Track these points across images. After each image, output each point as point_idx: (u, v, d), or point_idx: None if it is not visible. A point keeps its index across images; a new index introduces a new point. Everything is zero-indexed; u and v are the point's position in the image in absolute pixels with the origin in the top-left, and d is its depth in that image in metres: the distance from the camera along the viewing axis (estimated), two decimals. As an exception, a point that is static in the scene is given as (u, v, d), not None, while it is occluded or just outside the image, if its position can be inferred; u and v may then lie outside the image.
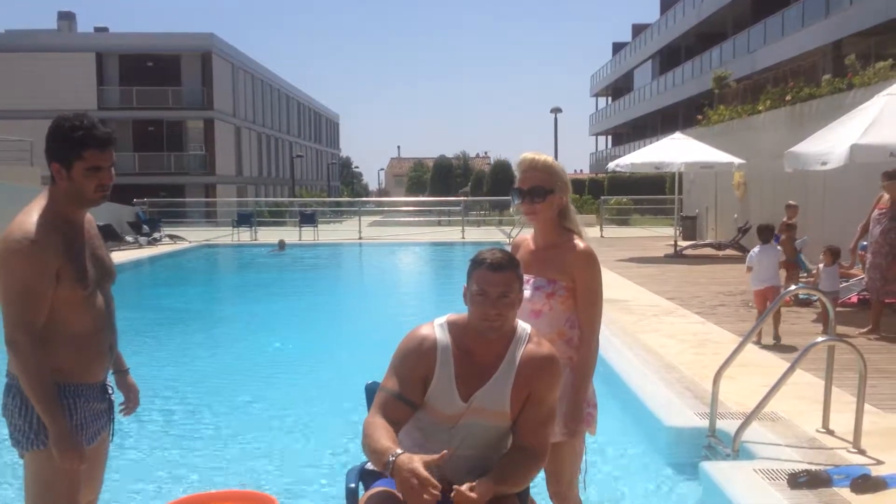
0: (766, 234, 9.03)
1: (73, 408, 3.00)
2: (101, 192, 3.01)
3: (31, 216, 2.91)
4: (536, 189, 3.44)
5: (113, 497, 4.86)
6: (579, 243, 3.47)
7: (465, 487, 2.77)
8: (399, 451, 2.72)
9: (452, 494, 2.75)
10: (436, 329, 3.09)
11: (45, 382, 2.87)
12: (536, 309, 3.43)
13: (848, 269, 10.93)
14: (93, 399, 3.10)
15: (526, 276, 3.39)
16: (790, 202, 12.31)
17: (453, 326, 3.09)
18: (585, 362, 3.43)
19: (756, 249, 9.00)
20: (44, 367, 2.87)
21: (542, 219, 3.50)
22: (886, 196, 9.04)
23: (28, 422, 2.94)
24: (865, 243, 9.53)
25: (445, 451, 2.73)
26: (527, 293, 3.39)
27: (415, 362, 3.03)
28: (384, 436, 2.82)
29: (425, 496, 2.58)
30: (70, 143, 2.93)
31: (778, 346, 8.31)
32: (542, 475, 3.37)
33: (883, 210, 8.98)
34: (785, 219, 11.99)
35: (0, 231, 2.94)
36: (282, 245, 23.03)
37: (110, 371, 3.29)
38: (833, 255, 9.33)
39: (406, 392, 3.00)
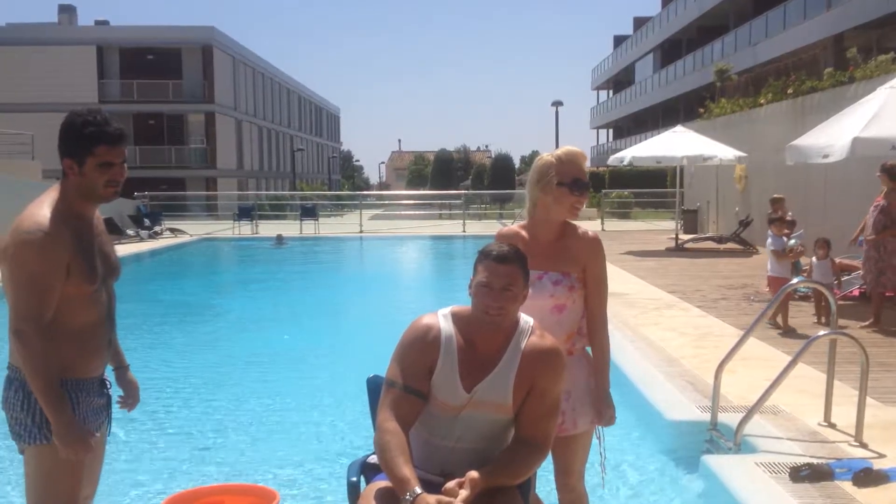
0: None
1: (74, 403, 2.99)
2: (113, 188, 2.99)
3: (42, 209, 2.90)
4: (588, 183, 3.46)
5: (115, 491, 4.87)
6: (587, 231, 3.45)
7: (452, 484, 2.78)
8: (418, 490, 2.73)
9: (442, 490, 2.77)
10: (440, 319, 3.08)
11: (49, 375, 2.86)
12: (561, 304, 3.37)
13: (849, 263, 10.91)
14: (93, 394, 3.10)
15: (536, 272, 3.31)
16: (775, 195, 12.19)
17: (457, 317, 3.08)
18: (606, 348, 3.46)
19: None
20: (48, 359, 2.86)
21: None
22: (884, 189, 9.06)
23: (30, 415, 2.93)
24: (863, 238, 9.52)
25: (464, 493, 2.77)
26: (544, 289, 3.35)
27: (419, 352, 3.02)
28: (402, 460, 2.83)
29: None
30: (82, 138, 2.91)
31: (780, 340, 8.30)
32: (549, 465, 3.38)
33: (878, 203, 8.99)
34: (769, 212, 12.02)
35: (6, 224, 2.93)
36: (280, 239, 23.06)
37: (107, 366, 3.29)
38: (826, 247, 9.29)
39: (413, 383, 2.99)
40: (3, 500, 4.92)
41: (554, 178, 3.37)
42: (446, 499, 2.70)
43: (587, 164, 3.49)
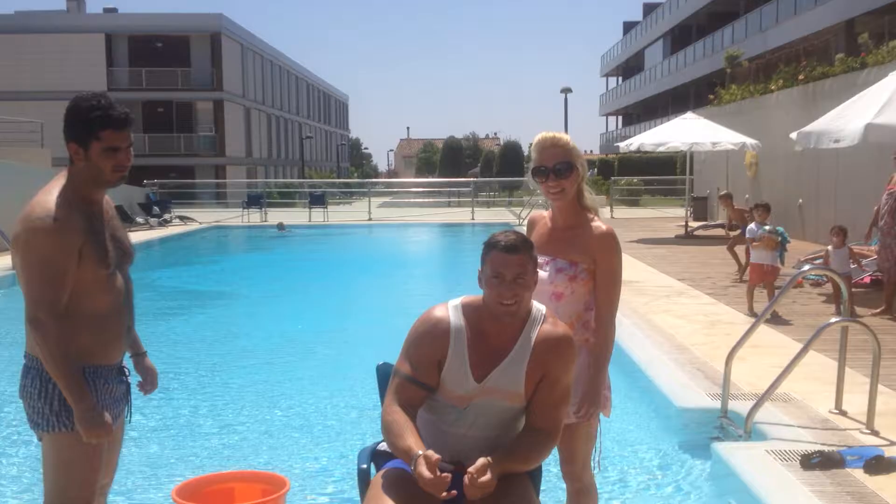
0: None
1: (92, 390, 2.98)
2: (119, 173, 2.98)
3: (51, 195, 2.89)
4: (562, 165, 3.38)
5: (126, 478, 4.88)
6: (601, 225, 3.41)
7: (478, 472, 2.75)
8: (419, 452, 2.77)
9: (465, 477, 2.75)
10: (450, 311, 3.07)
11: (68, 360, 2.85)
12: (559, 292, 3.37)
13: (859, 251, 10.82)
14: (111, 381, 3.09)
15: (545, 258, 3.35)
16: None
17: (468, 308, 3.07)
18: (604, 345, 3.38)
19: None
20: (66, 345, 2.85)
21: (566, 196, 3.42)
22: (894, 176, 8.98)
23: (48, 403, 2.93)
24: (881, 223, 9.42)
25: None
26: (547, 275, 3.35)
27: (428, 345, 3.01)
28: (408, 434, 2.87)
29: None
30: (87, 123, 2.90)
31: (791, 327, 8.27)
32: (555, 455, 3.36)
33: (892, 190, 8.92)
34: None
35: (16, 211, 2.92)
36: (281, 227, 23.19)
37: (126, 353, 3.28)
38: (842, 235, 9.21)
39: (420, 376, 3.00)
40: (21, 487, 4.95)
41: (531, 165, 3.50)
42: (428, 470, 2.73)
43: (567, 144, 3.40)
